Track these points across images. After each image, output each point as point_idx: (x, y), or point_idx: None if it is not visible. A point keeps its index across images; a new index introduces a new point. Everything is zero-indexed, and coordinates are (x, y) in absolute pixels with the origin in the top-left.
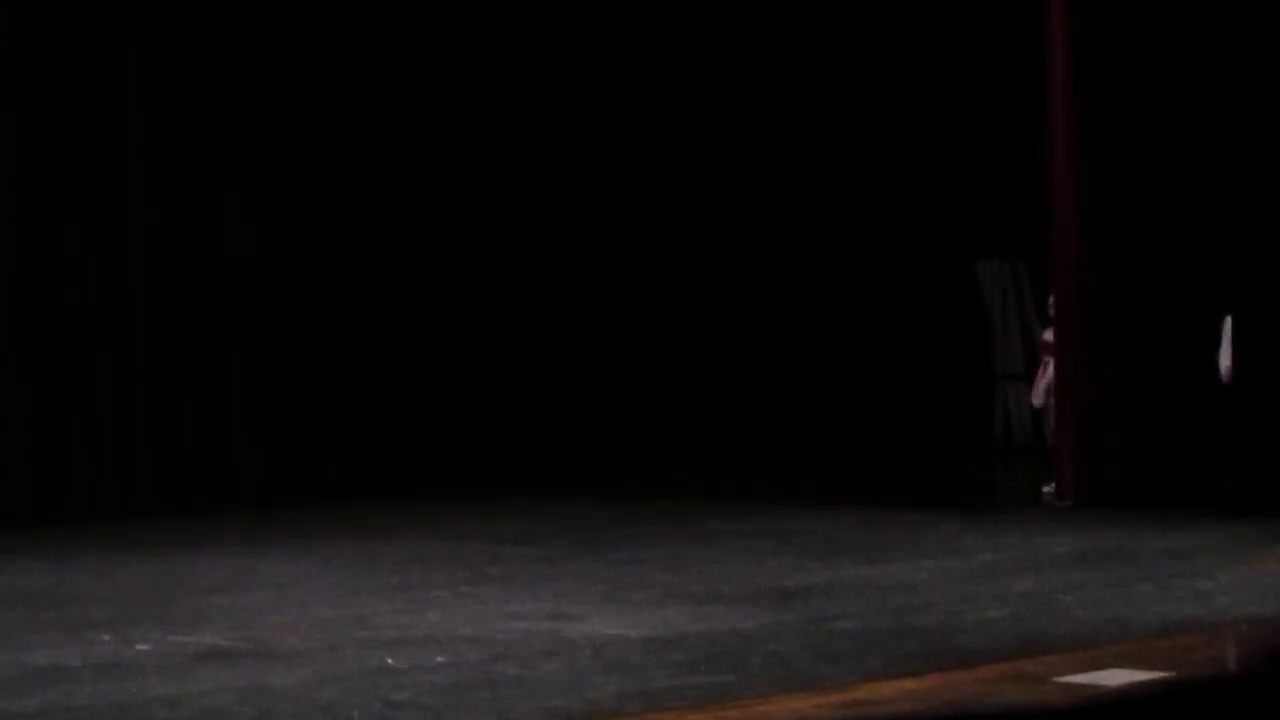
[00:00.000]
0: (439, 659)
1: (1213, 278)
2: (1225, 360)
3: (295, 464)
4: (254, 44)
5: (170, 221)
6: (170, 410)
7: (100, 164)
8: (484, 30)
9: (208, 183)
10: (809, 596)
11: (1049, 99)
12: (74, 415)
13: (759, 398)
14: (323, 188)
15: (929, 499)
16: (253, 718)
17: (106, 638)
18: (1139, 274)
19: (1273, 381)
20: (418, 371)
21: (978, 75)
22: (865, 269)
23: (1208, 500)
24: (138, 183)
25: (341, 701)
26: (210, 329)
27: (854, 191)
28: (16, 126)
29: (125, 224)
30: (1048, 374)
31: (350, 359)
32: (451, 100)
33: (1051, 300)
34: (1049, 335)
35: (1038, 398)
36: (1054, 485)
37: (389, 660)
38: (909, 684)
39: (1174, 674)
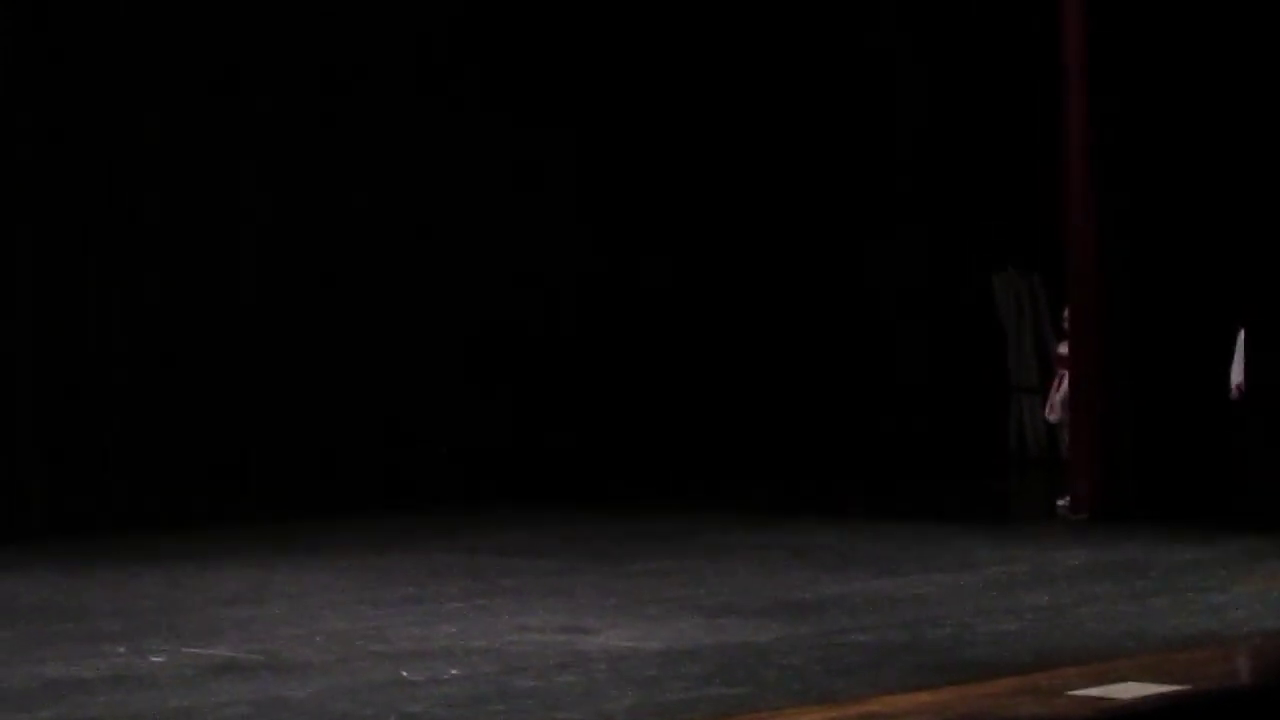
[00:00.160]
0: (453, 671)
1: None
2: (1237, 375)
3: (309, 476)
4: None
5: (183, 236)
6: (181, 422)
7: (113, 183)
8: (485, 33)
9: (220, 200)
10: (823, 609)
11: (1064, 104)
12: (87, 428)
13: (773, 410)
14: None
15: (943, 512)
16: None
17: (120, 650)
18: (1155, 282)
19: None
20: (430, 385)
21: (993, 85)
22: (881, 280)
23: (1222, 513)
24: (154, 204)
25: (355, 714)
26: (224, 341)
27: (869, 204)
28: (33, 135)
29: (140, 244)
30: (1062, 388)
31: (364, 373)
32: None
33: (1066, 313)
34: (1064, 349)
35: (1054, 413)
36: (1068, 498)
37: (403, 673)
38: (923, 697)
39: (1188, 687)
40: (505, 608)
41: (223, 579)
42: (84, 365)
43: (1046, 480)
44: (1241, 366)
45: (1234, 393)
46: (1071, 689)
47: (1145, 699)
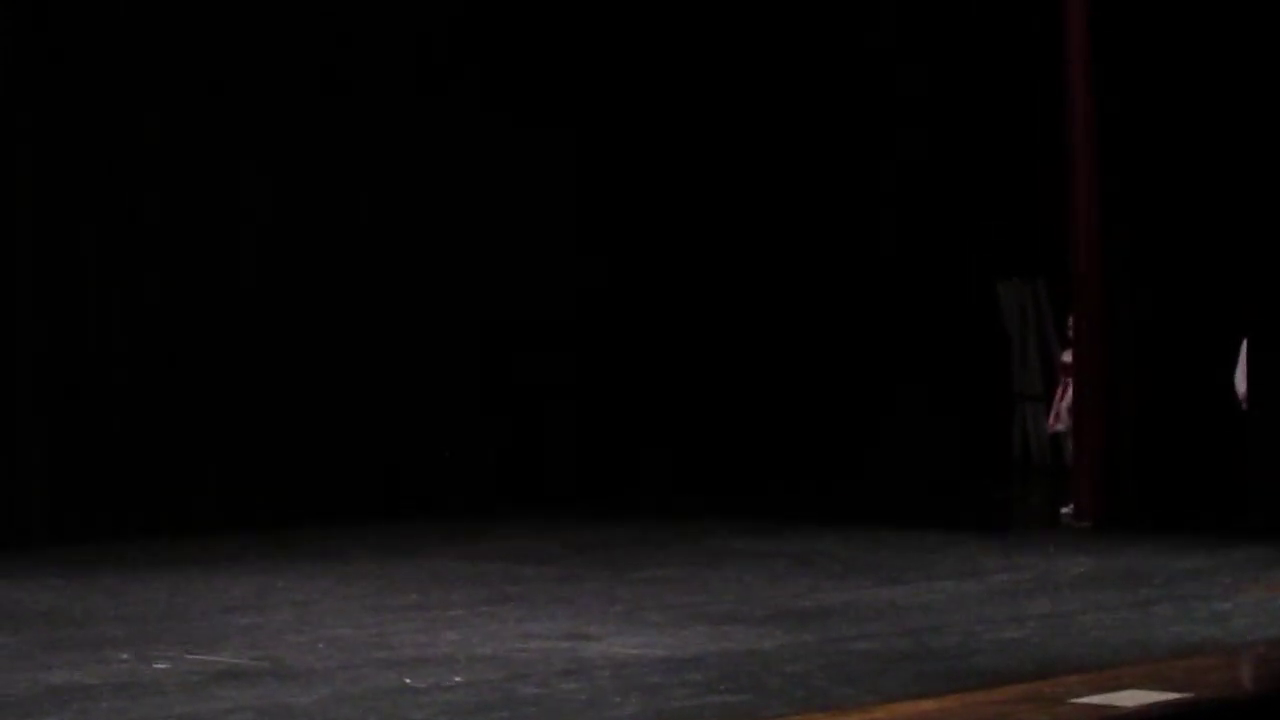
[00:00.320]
0: (457, 679)
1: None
2: (1241, 384)
3: (314, 483)
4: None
5: (183, 236)
6: (182, 423)
7: (113, 183)
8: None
9: (222, 202)
10: (827, 617)
11: (1068, 106)
12: (91, 433)
13: (776, 418)
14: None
15: (947, 519)
16: None
17: (124, 656)
18: (1159, 290)
19: None
20: (432, 387)
21: (994, 86)
22: (884, 287)
23: (1226, 522)
24: (154, 204)
25: None
26: (229, 348)
27: (871, 206)
28: (33, 135)
29: (140, 244)
30: (1067, 396)
31: (370, 378)
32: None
33: (1071, 321)
34: (1068, 357)
35: (1059, 421)
36: (1072, 506)
37: (407, 680)
38: (927, 705)
39: (1192, 695)
40: (510, 615)
41: (226, 585)
42: (84, 365)
43: (1050, 488)
44: (1245, 374)
45: (1240, 399)
46: (1075, 697)
47: (1148, 707)
